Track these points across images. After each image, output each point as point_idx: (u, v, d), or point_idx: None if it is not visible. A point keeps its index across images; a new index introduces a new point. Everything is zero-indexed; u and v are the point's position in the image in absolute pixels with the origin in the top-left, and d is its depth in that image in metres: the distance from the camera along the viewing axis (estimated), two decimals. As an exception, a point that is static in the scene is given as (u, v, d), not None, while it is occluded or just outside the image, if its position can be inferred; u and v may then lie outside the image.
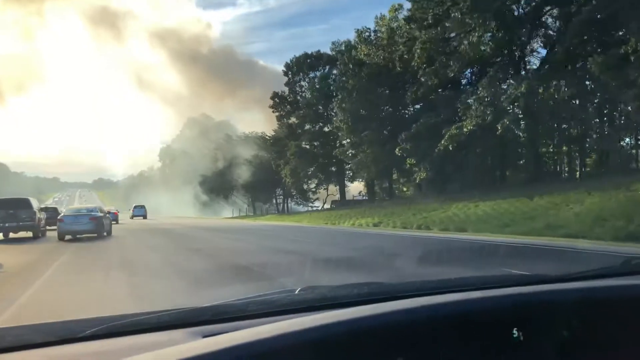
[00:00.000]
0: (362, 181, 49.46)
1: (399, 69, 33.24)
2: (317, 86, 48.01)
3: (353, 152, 39.12)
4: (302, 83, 52.11)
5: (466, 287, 1.08)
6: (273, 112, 53.77)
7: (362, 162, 37.05)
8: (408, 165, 32.32)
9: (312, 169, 48.10)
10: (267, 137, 60.25)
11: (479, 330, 0.85)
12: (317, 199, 59.99)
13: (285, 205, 61.32)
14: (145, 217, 52.71)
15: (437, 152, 27.02)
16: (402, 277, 6.20)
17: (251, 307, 1.06)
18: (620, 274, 1.30)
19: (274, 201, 64.24)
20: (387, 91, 36.22)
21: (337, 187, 51.79)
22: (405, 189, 44.37)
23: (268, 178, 59.39)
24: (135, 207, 56.45)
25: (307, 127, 49.80)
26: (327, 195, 57.95)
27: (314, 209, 57.97)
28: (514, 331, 0.85)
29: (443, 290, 1.03)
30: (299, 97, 52.26)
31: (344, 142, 41.41)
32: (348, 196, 54.03)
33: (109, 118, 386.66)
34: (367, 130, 35.79)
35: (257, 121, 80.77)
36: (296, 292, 1.28)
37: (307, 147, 47.85)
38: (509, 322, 0.85)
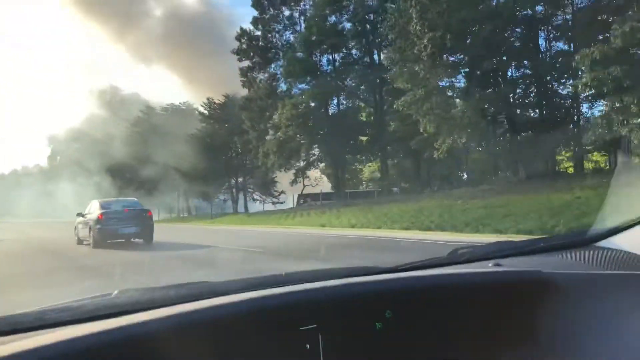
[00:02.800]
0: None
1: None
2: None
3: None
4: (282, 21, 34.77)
5: (290, 282, 1.05)
6: (239, 60, 35.63)
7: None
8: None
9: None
10: (216, 103, 42.00)
11: (277, 326, 0.87)
12: (283, 192, 42.91)
13: (245, 202, 43.20)
14: None
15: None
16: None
17: (49, 315, 0.97)
18: (447, 264, 1.34)
19: (222, 197, 45.62)
20: None
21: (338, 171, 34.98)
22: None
23: (217, 165, 41.19)
24: None
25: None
26: (304, 187, 41.13)
27: (278, 207, 41.26)
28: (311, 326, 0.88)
29: (268, 285, 1.01)
30: (275, 40, 34.88)
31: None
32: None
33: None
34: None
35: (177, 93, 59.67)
36: (112, 295, 1.17)
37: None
38: (315, 314, 0.88)
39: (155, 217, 44.97)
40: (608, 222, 1.50)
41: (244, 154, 41.83)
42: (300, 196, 40.96)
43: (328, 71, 31.79)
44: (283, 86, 33.22)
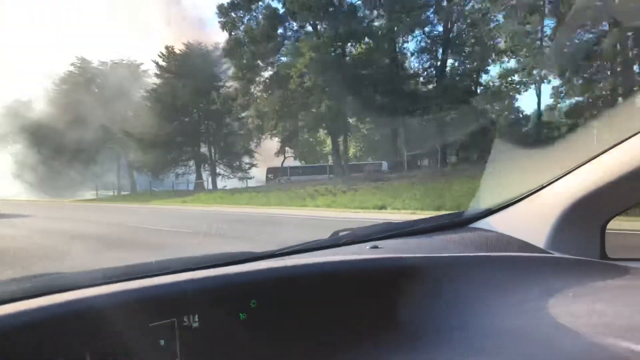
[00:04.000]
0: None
1: None
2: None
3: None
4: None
5: (156, 271, 0.98)
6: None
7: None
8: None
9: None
10: (176, 53, 34.07)
11: (127, 322, 0.83)
12: (254, 165, 36.20)
13: (213, 177, 35.65)
14: None
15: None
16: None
17: None
18: (328, 247, 1.31)
19: (179, 171, 37.54)
20: None
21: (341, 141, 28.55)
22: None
23: (178, 130, 33.60)
24: None
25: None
26: (284, 158, 34.61)
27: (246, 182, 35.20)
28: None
29: (131, 275, 0.95)
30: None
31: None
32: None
33: None
34: None
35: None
36: None
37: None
38: (175, 307, 0.86)
39: (91, 194, 36.22)
40: (483, 204, 1.56)
41: (215, 116, 34.17)
42: (270, 170, 34.23)
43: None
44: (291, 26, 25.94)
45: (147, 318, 0.84)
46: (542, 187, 1.31)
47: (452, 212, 1.72)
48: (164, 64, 34.37)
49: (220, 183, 34.77)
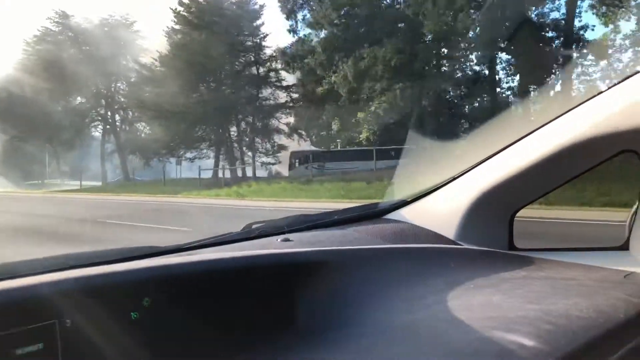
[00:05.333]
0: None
1: None
2: None
3: None
4: None
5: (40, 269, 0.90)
6: None
7: None
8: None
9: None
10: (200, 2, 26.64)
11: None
12: (285, 148, 29.20)
13: (253, 164, 28.32)
14: None
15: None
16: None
17: None
18: (239, 240, 1.27)
19: (193, 155, 29.90)
20: None
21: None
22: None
23: (206, 99, 26.24)
24: None
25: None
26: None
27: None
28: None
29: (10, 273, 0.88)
30: None
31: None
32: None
33: None
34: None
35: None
36: None
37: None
38: (57, 308, 0.80)
39: (74, 184, 27.83)
40: (397, 195, 1.57)
41: (251, 83, 26.74)
42: (295, 155, 26.99)
43: None
44: None
45: (31, 319, 0.77)
46: (454, 178, 1.33)
47: (367, 203, 1.64)
48: (185, 14, 26.57)
49: (238, 171, 27.59)
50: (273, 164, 30.16)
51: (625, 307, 0.83)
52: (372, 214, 1.52)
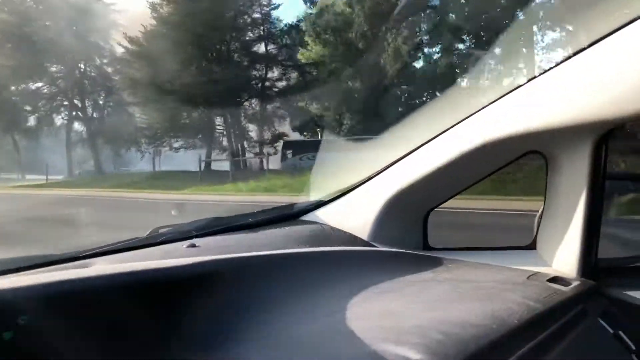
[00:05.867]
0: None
1: None
2: None
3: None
4: None
5: None
6: None
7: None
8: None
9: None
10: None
11: None
12: (286, 135, 26.17)
13: (238, 153, 24.98)
14: None
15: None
16: None
17: None
18: (144, 246, 1.19)
19: (178, 144, 26.20)
20: None
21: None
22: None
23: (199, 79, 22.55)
24: None
25: None
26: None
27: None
28: None
29: None
30: None
31: None
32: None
33: None
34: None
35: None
36: None
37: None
38: None
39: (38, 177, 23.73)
40: (314, 195, 1.56)
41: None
42: (287, 145, 24.00)
43: None
44: None
45: None
46: (370, 178, 1.31)
47: (284, 204, 1.58)
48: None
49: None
50: (261, 155, 26.72)
51: (521, 311, 0.81)
52: (288, 215, 1.48)
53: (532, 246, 1.17)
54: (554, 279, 0.99)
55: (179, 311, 0.88)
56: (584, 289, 0.97)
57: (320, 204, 1.44)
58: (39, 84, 28.66)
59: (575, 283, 0.97)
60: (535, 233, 1.17)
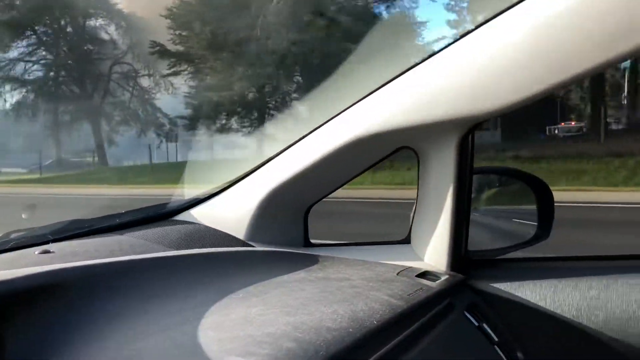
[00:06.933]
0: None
1: None
2: None
3: None
4: None
5: None
6: None
7: None
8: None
9: None
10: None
11: None
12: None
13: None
14: None
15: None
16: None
17: None
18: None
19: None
20: None
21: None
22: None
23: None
24: None
25: None
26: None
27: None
28: None
29: None
30: None
31: None
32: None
33: None
34: None
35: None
36: None
37: None
38: None
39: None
40: (187, 194, 1.50)
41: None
42: None
43: None
44: None
45: None
46: (247, 175, 1.28)
47: (156, 204, 1.49)
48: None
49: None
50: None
51: (383, 310, 0.79)
52: (160, 215, 1.39)
53: (407, 240, 1.18)
54: (424, 274, 0.99)
55: (10, 329, 0.77)
56: (452, 283, 0.98)
57: (195, 202, 1.37)
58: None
59: (443, 277, 0.98)
60: (410, 227, 1.17)
